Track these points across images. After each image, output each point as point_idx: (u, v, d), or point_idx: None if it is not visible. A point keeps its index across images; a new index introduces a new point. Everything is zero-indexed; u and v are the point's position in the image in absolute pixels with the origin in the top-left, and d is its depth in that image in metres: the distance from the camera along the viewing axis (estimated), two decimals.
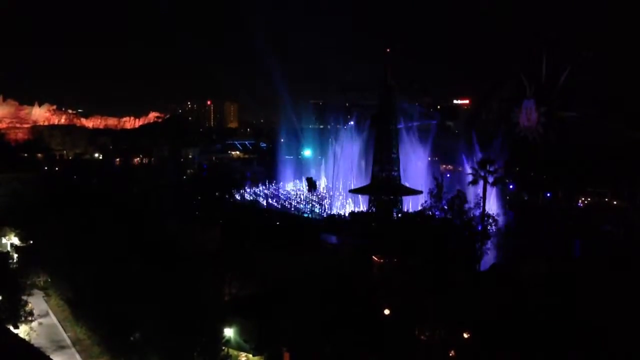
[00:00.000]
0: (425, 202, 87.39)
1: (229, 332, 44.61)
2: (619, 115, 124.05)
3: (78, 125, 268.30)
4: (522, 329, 40.99)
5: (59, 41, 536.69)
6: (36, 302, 57.25)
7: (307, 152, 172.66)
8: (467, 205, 75.24)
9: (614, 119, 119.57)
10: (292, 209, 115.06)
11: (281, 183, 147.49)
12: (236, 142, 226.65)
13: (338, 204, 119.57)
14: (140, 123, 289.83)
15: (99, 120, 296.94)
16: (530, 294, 46.55)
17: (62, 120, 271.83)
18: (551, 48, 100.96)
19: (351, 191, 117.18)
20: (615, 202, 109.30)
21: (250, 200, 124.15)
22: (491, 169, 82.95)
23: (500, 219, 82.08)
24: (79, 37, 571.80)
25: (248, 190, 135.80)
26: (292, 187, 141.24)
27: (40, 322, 53.90)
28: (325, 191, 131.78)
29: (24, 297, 52.76)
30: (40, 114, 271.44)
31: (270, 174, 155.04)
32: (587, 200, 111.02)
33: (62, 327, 55.57)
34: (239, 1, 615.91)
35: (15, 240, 76.48)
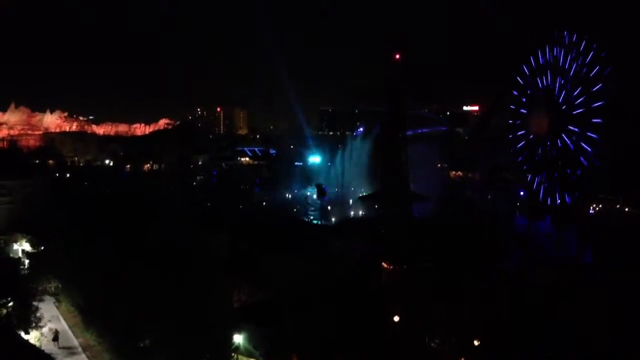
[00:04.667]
0: (435, 208, 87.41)
1: (239, 339, 44.60)
2: (631, 120, 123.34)
3: (89, 132, 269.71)
4: (533, 337, 40.72)
5: (69, 49, 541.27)
6: (47, 308, 57.42)
7: (316, 159, 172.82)
8: (477, 212, 75.12)
9: (626, 123, 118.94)
10: (302, 215, 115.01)
11: (290, 189, 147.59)
12: (246, 149, 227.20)
13: (347, 210, 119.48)
14: (151, 130, 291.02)
15: (110, 127, 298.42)
16: (541, 301, 46.25)
17: (73, 127, 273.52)
18: (561, 50, 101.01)
19: (361, 198, 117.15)
20: (627, 209, 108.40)
21: (260, 206, 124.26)
22: (501, 176, 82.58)
23: (512, 225, 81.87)
24: (89, 44, 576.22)
25: (257, 196, 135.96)
26: (302, 194, 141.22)
27: (50, 328, 54.07)
28: (334, 197, 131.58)
29: (35, 303, 52.96)
30: (52, 120, 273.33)
31: (279, 181, 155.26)
32: (599, 207, 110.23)
33: (73, 333, 55.63)
34: (249, 8, 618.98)
35: (27, 246, 76.84)
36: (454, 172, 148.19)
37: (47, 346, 50.41)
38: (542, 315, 43.26)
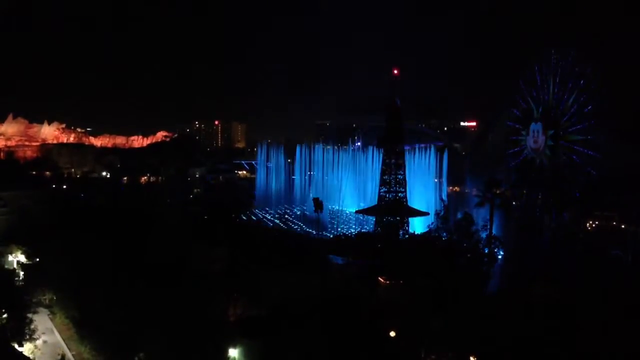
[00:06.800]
0: (432, 223, 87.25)
1: (234, 353, 44.32)
2: (626, 136, 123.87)
3: (86, 143, 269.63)
4: (532, 354, 40.56)
5: (68, 60, 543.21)
6: (41, 320, 57.10)
7: (313, 173, 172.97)
8: (473, 227, 74.95)
9: (621, 140, 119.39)
10: (299, 229, 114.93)
11: (287, 203, 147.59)
12: (243, 162, 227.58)
13: (344, 224, 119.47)
14: (148, 142, 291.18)
15: (107, 139, 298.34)
16: (539, 317, 46.11)
17: (71, 139, 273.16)
18: (557, 67, 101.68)
19: (358, 212, 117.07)
20: (623, 226, 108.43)
21: (257, 220, 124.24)
22: (498, 191, 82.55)
23: (507, 241, 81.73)
24: (88, 56, 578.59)
25: (254, 210, 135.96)
26: (299, 208, 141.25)
27: (44, 340, 53.72)
28: (331, 211, 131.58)
29: (29, 315, 52.66)
30: (49, 132, 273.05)
31: (276, 194, 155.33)
32: (595, 224, 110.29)
33: (67, 345, 55.31)
34: (249, 22, 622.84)
35: (22, 258, 76.59)
36: (451, 187, 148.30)
37: (41, 359, 50.17)
38: (542, 332, 43.11)
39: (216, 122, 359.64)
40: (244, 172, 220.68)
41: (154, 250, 64.87)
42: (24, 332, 50.37)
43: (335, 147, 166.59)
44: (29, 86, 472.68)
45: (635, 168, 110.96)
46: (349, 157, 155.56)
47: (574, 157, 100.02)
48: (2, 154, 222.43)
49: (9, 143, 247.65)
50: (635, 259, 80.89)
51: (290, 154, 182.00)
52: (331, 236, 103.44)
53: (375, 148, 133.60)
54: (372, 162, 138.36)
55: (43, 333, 54.07)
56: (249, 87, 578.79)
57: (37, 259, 72.37)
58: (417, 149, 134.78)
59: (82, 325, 54.85)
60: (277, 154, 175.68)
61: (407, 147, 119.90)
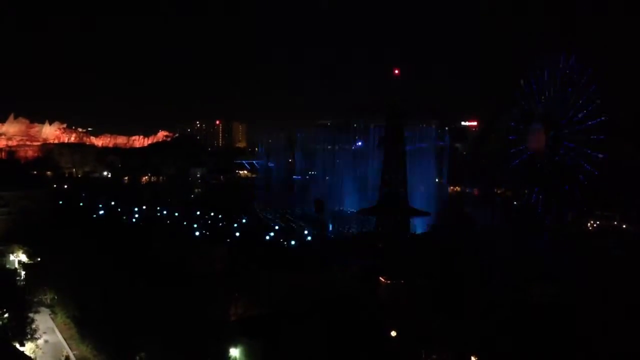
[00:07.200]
0: (433, 223, 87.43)
1: (235, 352, 44.39)
2: (628, 137, 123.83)
3: (87, 143, 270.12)
4: (531, 353, 40.64)
5: (68, 60, 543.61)
6: (42, 320, 57.15)
7: (314, 173, 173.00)
8: (474, 228, 74.99)
9: (622, 141, 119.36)
10: (300, 229, 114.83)
11: (289, 203, 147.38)
12: (244, 162, 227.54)
13: (346, 224, 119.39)
14: (149, 142, 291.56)
15: (108, 139, 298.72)
16: (539, 317, 46.20)
17: (72, 139, 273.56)
18: (558, 67, 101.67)
19: (359, 212, 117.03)
20: (624, 226, 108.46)
21: (258, 220, 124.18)
22: (499, 191, 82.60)
23: (508, 241, 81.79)
24: (89, 56, 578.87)
25: (255, 210, 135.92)
26: (300, 208, 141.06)
27: (46, 339, 53.77)
28: (333, 212, 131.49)
29: (31, 315, 52.73)
30: (51, 132, 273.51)
31: (277, 194, 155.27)
32: (596, 224, 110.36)
33: (68, 345, 55.39)
34: (249, 21, 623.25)
35: (23, 257, 76.65)
36: (452, 187, 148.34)
37: (42, 358, 50.26)
38: (541, 331, 43.19)
39: (217, 122, 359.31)
40: (245, 171, 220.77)
41: (156, 249, 65.06)
42: (25, 331, 50.40)
43: (337, 147, 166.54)
44: (29, 86, 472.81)
45: (635, 168, 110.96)
46: (350, 157, 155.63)
47: (575, 156, 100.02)
48: (3, 154, 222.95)
49: (10, 143, 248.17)
50: (635, 259, 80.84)
51: (291, 155, 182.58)
52: (333, 236, 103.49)
53: (376, 148, 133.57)
54: (373, 162, 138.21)
55: (44, 332, 54.06)
56: (250, 87, 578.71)
57: (39, 259, 72.39)
58: (418, 149, 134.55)
59: (83, 324, 54.91)
60: (278, 153, 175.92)
61: (408, 147, 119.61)
